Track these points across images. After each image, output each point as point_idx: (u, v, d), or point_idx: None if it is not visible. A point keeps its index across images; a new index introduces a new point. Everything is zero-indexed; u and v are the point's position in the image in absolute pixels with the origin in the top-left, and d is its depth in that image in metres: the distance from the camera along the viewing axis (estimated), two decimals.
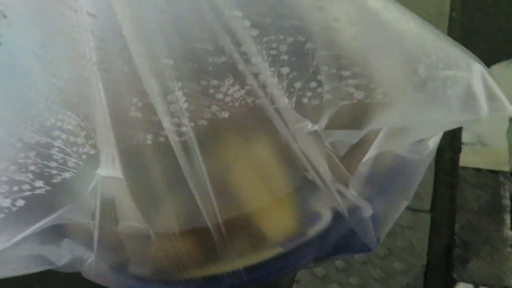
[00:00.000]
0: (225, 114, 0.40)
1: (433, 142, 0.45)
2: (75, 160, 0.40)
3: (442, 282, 0.92)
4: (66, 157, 0.40)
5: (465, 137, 1.09)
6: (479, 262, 0.92)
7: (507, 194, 0.97)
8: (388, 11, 0.39)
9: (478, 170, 1.01)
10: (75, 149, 0.40)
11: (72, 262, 0.46)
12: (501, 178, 1.01)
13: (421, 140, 0.44)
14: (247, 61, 0.38)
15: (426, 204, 0.99)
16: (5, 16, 0.35)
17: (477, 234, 0.94)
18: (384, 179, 0.45)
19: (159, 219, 0.42)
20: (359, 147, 0.43)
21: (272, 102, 0.40)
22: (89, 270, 0.45)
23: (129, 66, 0.38)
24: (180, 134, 0.40)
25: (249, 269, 0.45)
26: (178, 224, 0.42)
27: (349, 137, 0.41)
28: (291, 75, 0.40)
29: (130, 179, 0.41)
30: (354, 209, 0.44)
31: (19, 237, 0.41)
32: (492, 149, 1.05)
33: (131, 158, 0.41)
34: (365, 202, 0.44)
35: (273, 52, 0.39)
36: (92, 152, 0.41)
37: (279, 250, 0.44)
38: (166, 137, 0.40)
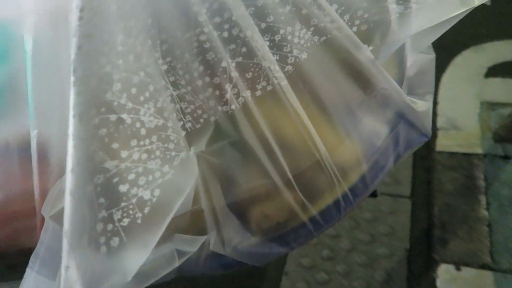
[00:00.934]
0: (305, 56, 0.45)
1: None
2: (183, 139, 0.40)
3: (425, 264, 0.95)
4: (178, 136, 0.40)
5: (440, 122, 1.21)
6: (457, 242, 0.99)
7: (482, 175, 1.08)
8: None
9: (453, 153, 1.12)
10: (178, 129, 0.40)
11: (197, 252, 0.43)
12: (475, 160, 1.13)
13: None
14: (308, 6, 0.45)
15: (406, 190, 1.06)
16: None
17: (454, 215, 1.02)
18: (420, 78, 0.52)
19: (272, 171, 0.44)
20: (391, 59, 0.50)
21: (339, 32, 0.46)
22: (219, 248, 0.44)
23: (219, 31, 0.42)
24: (276, 82, 0.43)
25: (352, 188, 0.48)
26: (291, 170, 0.44)
27: (391, 49, 0.49)
28: (339, 10, 0.47)
29: (241, 137, 0.43)
30: (414, 105, 0.50)
31: (160, 233, 0.37)
32: (465, 132, 1.17)
33: (236, 117, 0.43)
34: (419, 97, 0.50)
35: None
36: (183, 133, 0.42)
37: (367, 164, 0.49)
38: (263, 88, 0.43)
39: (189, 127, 0.42)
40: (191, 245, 0.42)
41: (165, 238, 0.42)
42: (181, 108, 0.42)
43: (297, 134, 0.45)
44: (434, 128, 1.15)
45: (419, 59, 0.52)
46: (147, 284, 0.39)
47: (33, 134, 0.39)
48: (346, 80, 0.47)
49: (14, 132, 0.42)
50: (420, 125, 0.52)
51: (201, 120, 0.43)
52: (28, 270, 0.37)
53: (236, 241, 0.45)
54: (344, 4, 0.47)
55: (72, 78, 0.35)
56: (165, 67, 0.41)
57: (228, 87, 0.42)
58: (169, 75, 0.41)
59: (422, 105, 0.51)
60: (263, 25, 0.43)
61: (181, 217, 0.42)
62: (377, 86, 0.48)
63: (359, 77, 0.47)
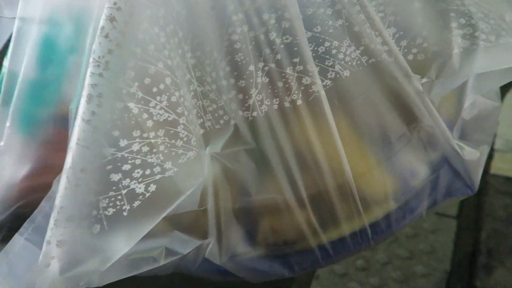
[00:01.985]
0: (347, 73, 0.41)
1: None
2: (195, 138, 0.39)
3: None
4: (189, 134, 0.38)
5: (498, 143, 1.11)
6: (503, 272, 0.91)
7: None
8: None
9: (509, 178, 1.02)
10: (193, 127, 0.39)
11: (193, 254, 0.42)
12: None
13: None
14: (361, 23, 0.41)
15: (453, 209, 0.98)
16: None
17: (503, 243, 0.94)
18: (476, 125, 0.47)
19: (285, 185, 0.41)
20: (449, 96, 0.45)
21: (390, 56, 0.42)
22: (213, 256, 0.42)
23: (256, 32, 0.39)
24: (308, 95, 0.40)
25: (374, 225, 0.44)
26: (305, 188, 0.41)
27: (448, 86, 0.44)
28: (397, 35, 0.43)
29: (258, 145, 0.41)
30: (462, 151, 0.45)
31: (151, 227, 0.36)
32: None
33: (258, 125, 0.40)
34: (470, 144, 0.45)
35: (381, 14, 0.42)
36: (201, 131, 0.40)
37: (394, 203, 0.45)
38: (292, 101, 0.40)
39: (208, 126, 0.41)
40: (184, 247, 0.41)
41: (162, 232, 0.41)
42: (203, 105, 0.40)
43: (322, 152, 0.42)
44: (492, 149, 1.06)
45: (480, 102, 0.46)
46: (125, 276, 0.38)
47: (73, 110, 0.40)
48: (388, 108, 0.43)
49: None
50: (466, 175, 0.47)
51: (221, 121, 0.41)
52: (16, 235, 0.38)
53: (236, 251, 0.43)
54: (404, 29, 0.43)
55: (90, 59, 0.35)
56: (193, 61, 0.39)
57: (253, 92, 0.39)
58: (196, 70, 0.40)
59: (472, 154, 0.45)
60: (308, 34, 0.41)
61: (185, 215, 0.41)
62: (422, 121, 0.43)
63: (403, 108, 0.43)
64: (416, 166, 0.46)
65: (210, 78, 0.40)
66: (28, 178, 0.45)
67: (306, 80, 0.40)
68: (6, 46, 0.46)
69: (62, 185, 0.35)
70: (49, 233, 0.35)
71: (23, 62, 0.42)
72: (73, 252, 0.35)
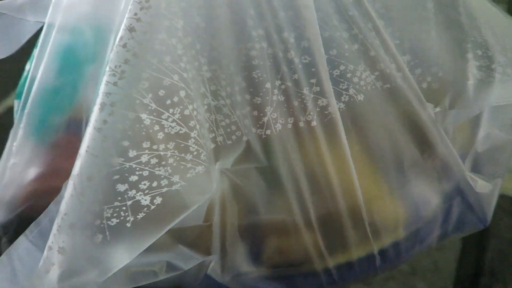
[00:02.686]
0: (361, 97, 0.41)
1: None
2: (205, 153, 0.38)
3: None
4: (200, 149, 0.38)
5: None
6: None
7: None
8: None
9: None
10: (204, 141, 0.38)
11: (195, 270, 0.41)
12: None
13: None
14: (377, 49, 0.41)
15: None
16: None
17: (507, 265, 0.92)
18: (489, 158, 0.46)
19: (295, 207, 0.41)
20: (461, 131, 0.45)
21: (404, 82, 0.42)
22: (215, 274, 0.41)
23: (274, 50, 0.39)
24: (324, 116, 0.40)
25: (382, 252, 0.44)
26: (315, 211, 0.41)
27: (462, 116, 0.43)
28: (412, 63, 0.43)
29: (269, 164, 0.40)
30: (475, 184, 0.45)
31: (154, 239, 0.35)
32: None
33: (271, 143, 0.40)
34: (483, 177, 0.44)
35: (397, 41, 0.43)
36: (212, 146, 0.40)
37: (403, 232, 0.44)
38: (307, 122, 0.40)
39: (220, 141, 0.41)
40: (186, 262, 0.40)
41: (165, 246, 0.41)
42: (216, 119, 0.40)
43: (334, 174, 0.41)
44: None
45: (495, 135, 0.46)
46: None
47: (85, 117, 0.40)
48: (402, 135, 0.43)
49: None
50: (478, 208, 0.46)
51: (233, 137, 0.41)
52: (22, 236, 0.38)
53: (240, 270, 0.42)
54: (419, 57, 0.42)
55: (107, 68, 0.35)
56: (208, 74, 0.40)
57: (268, 110, 0.39)
58: (211, 83, 0.40)
59: (484, 187, 0.45)
60: (325, 56, 0.41)
61: (190, 229, 0.41)
62: (436, 150, 0.43)
63: (417, 135, 0.43)
64: (429, 195, 0.45)
65: (225, 92, 0.40)
66: (36, 181, 0.45)
67: (322, 102, 0.39)
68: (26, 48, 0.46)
69: (68, 192, 0.34)
70: (51, 239, 0.35)
71: (41, 68, 0.42)
72: (73, 260, 0.35)
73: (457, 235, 0.47)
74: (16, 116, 0.46)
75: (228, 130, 0.40)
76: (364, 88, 0.41)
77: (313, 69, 0.39)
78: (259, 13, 0.38)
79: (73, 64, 0.43)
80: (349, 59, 0.41)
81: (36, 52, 0.44)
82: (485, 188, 0.44)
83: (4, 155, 0.46)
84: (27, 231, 0.38)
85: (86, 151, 0.34)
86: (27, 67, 0.47)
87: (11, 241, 0.40)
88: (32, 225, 0.38)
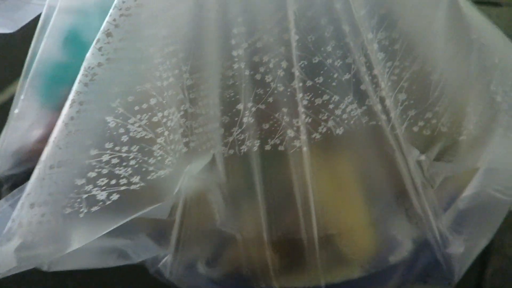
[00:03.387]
0: (340, 131, 0.40)
1: None
2: (171, 159, 0.39)
3: None
4: (165, 154, 0.39)
5: None
6: None
7: None
8: None
9: None
10: (172, 147, 0.39)
11: (150, 260, 0.43)
12: None
13: None
14: (374, 84, 0.39)
15: None
16: (140, 5, 0.36)
17: (508, 283, 0.88)
18: (475, 217, 0.44)
19: (249, 225, 0.42)
20: (451, 181, 0.42)
21: (387, 125, 0.40)
22: (165, 269, 0.44)
23: (251, 71, 0.39)
24: (293, 145, 0.39)
25: (330, 287, 0.43)
26: (269, 232, 0.41)
27: (450, 170, 0.41)
28: (406, 103, 0.40)
29: (229, 182, 0.41)
30: (445, 242, 0.43)
31: (107, 230, 0.38)
32: None
33: (233, 162, 0.40)
34: (458, 237, 0.42)
35: (394, 77, 0.40)
36: (184, 150, 0.41)
37: (360, 272, 0.44)
38: (274, 145, 0.39)
39: (192, 147, 0.41)
40: (140, 254, 0.42)
41: (128, 232, 0.43)
42: (191, 125, 0.41)
43: (294, 201, 0.41)
44: None
45: (486, 195, 0.43)
46: (83, 267, 0.41)
47: None
48: (379, 175, 0.41)
49: None
50: (446, 266, 0.44)
51: (204, 147, 0.41)
52: (3, 200, 0.41)
53: (187, 271, 0.44)
54: (415, 98, 0.40)
55: (82, 66, 0.36)
56: (189, 82, 0.40)
57: (234, 130, 0.39)
58: (191, 91, 0.40)
59: (456, 248, 0.43)
60: (309, 83, 0.39)
61: (154, 221, 0.43)
62: (409, 199, 0.41)
63: (393, 179, 0.41)
64: (400, 240, 0.44)
65: (202, 102, 0.40)
66: (40, 141, 0.48)
67: (290, 133, 0.39)
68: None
69: (34, 174, 0.37)
70: (15, 212, 0.38)
71: (43, 44, 0.44)
72: (31, 235, 0.38)
73: (421, 286, 0.45)
74: None
75: (201, 138, 0.41)
76: (346, 122, 0.40)
77: (284, 99, 0.38)
78: (241, 34, 0.37)
79: (77, 44, 0.45)
80: (335, 89, 0.39)
81: (36, 33, 0.46)
82: (457, 249, 0.42)
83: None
84: (9, 195, 0.41)
85: (53, 141, 0.36)
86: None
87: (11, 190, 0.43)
88: (16, 190, 0.42)
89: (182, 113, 0.40)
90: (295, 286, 0.44)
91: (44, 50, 0.44)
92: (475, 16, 0.38)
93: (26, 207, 0.37)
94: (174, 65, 0.38)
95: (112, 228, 0.39)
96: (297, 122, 0.39)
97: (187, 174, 0.41)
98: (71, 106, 0.36)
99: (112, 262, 0.42)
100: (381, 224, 0.43)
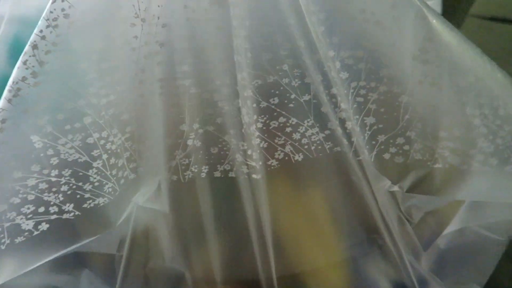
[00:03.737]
0: (299, 157, 0.35)
1: None
2: (112, 185, 0.35)
3: None
4: (103, 180, 0.35)
5: None
6: None
7: None
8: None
9: None
10: (114, 172, 0.35)
11: None
12: None
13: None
14: (333, 104, 0.35)
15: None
16: (67, 16, 0.33)
17: None
18: (461, 257, 0.38)
19: (199, 263, 0.37)
20: (433, 216, 0.37)
21: (354, 152, 0.35)
22: None
23: (198, 90, 0.35)
24: (246, 172, 0.35)
25: None
26: (221, 272, 0.37)
27: (429, 204, 0.36)
28: (375, 127, 0.36)
29: (174, 214, 0.36)
30: (423, 285, 0.37)
31: (35, 265, 0.34)
32: None
33: (178, 191, 0.36)
34: (438, 280, 0.36)
35: (360, 99, 0.36)
36: (131, 176, 0.37)
37: None
38: (224, 171, 0.35)
39: (141, 172, 0.37)
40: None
41: (72, 266, 0.39)
42: (139, 149, 0.37)
43: (251, 234, 0.37)
44: None
45: (472, 232, 0.37)
46: None
47: None
48: (348, 209, 0.37)
49: None
50: None
51: (152, 172, 0.37)
52: None
53: None
54: (385, 122, 0.35)
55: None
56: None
57: (177, 154, 0.35)
58: (138, 111, 0.37)
59: None
60: (263, 104, 0.35)
61: (100, 256, 0.39)
62: (383, 235, 0.36)
63: (364, 212, 0.36)
64: (373, 281, 0.39)
65: (148, 123, 0.36)
66: None
67: (239, 158, 0.34)
68: None
69: None
70: None
71: None
72: None
73: None
74: None
75: (149, 163, 0.37)
76: (306, 147, 0.35)
77: (232, 120, 0.34)
78: (186, 49, 0.33)
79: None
80: (292, 112, 0.35)
81: None
82: None
83: None
84: None
85: None
86: None
87: None
88: None
89: (127, 135, 0.36)
90: None
91: None
92: (447, 32, 0.33)
93: None
94: (117, 82, 0.35)
95: (42, 262, 0.35)
96: (250, 146, 0.35)
97: (135, 204, 0.37)
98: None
99: None
100: (353, 262, 0.38)
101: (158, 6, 0.32)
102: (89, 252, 0.38)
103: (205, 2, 0.32)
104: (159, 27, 0.33)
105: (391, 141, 0.35)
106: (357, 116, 0.35)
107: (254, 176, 0.35)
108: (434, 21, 0.33)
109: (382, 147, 0.36)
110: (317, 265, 0.38)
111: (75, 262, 0.39)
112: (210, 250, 0.36)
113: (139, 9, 0.33)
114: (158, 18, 0.32)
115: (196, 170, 0.35)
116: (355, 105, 0.35)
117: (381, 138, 0.35)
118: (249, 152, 0.35)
